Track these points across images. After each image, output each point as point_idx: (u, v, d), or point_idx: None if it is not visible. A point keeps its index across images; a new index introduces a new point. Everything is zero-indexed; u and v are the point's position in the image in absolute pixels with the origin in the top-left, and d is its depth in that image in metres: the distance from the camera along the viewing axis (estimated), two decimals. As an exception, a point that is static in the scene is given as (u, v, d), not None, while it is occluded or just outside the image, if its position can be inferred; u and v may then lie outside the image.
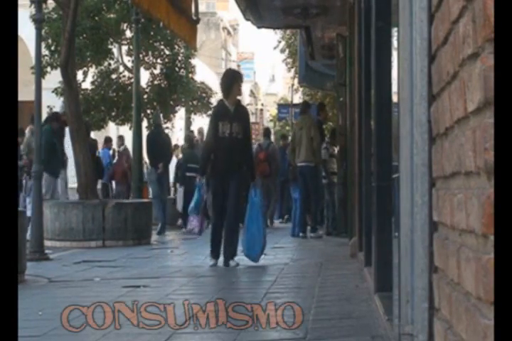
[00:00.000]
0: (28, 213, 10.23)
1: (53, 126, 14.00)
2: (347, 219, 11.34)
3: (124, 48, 19.49)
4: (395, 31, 4.34)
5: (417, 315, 2.96)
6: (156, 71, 19.93)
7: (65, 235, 11.74)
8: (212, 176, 8.90)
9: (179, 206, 16.59)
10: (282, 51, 29.90)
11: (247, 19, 13.48)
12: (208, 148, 8.98)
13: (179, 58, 20.06)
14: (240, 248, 8.71)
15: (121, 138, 19.61)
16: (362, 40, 7.69)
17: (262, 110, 75.62)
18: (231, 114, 8.79)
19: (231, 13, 53.88)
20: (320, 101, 18.02)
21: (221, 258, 8.59)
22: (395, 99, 4.93)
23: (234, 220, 8.69)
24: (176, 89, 19.87)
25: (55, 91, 18.05)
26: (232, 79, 8.93)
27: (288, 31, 26.21)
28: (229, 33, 60.06)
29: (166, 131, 22.10)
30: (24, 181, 14.18)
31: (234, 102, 8.91)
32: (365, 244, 7.04)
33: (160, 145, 14.78)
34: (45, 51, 16.74)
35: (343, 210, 12.79)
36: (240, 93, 9.04)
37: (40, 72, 10.87)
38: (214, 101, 23.56)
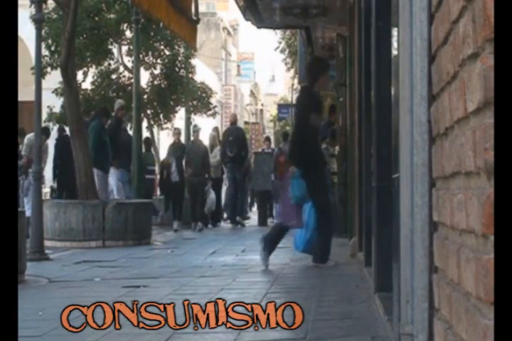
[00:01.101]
0: (27, 213, 10.21)
1: (103, 122, 13.99)
2: (347, 219, 11.34)
3: (124, 48, 19.49)
4: (395, 31, 4.34)
5: (417, 315, 2.96)
6: (156, 71, 19.93)
7: (65, 235, 11.73)
8: (320, 170, 8.32)
9: None
10: (282, 51, 29.90)
11: (247, 19, 13.49)
12: (316, 140, 8.37)
13: (179, 58, 20.05)
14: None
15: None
16: (362, 40, 7.69)
17: (262, 110, 75.60)
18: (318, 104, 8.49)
19: (231, 13, 53.86)
20: (332, 104, 18.05)
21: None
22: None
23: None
24: (176, 89, 19.86)
25: (55, 91, 18.05)
26: (319, 68, 8.43)
27: (288, 31, 26.19)
28: (229, 33, 60.04)
29: (166, 131, 22.17)
30: (21, 181, 14.14)
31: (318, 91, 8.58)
32: (365, 244, 7.04)
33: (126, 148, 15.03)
34: (45, 51, 16.74)
35: (343, 210, 12.79)
36: (327, 83, 8.57)
37: (40, 72, 10.88)
38: (214, 101, 23.58)
